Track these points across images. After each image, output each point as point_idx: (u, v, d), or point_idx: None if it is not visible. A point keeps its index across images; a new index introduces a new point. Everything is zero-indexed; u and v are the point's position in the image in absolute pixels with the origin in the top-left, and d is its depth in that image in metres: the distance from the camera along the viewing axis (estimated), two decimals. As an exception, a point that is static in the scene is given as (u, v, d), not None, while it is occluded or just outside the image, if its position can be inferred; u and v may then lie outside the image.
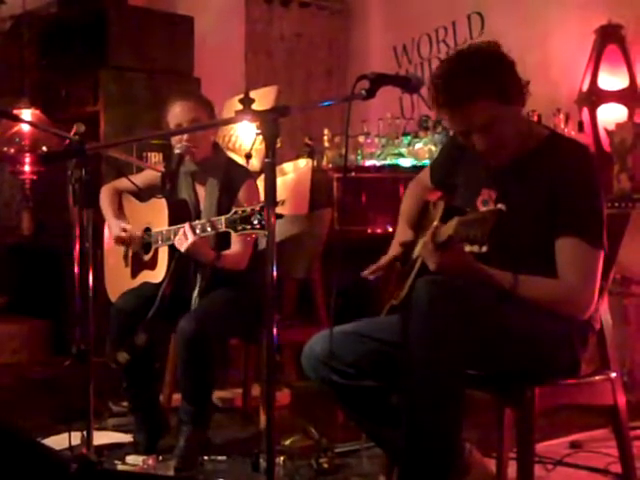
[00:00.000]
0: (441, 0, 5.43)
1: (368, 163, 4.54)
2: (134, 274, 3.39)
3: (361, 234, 4.22)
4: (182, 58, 5.29)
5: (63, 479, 2.13)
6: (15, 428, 2.17)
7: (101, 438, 3.22)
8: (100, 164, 4.44)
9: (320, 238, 3.76)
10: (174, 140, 3.27)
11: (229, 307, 3.18)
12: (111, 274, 3.53)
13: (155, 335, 3.07)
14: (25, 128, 4.42)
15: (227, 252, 3.19)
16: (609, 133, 4.26)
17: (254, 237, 3.08)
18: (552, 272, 2.30)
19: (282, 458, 2.97)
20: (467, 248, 2.35)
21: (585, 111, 4.45)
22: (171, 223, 3.18)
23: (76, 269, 2.53)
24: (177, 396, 3.35)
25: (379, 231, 4.19)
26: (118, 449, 3.23)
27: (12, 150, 4.51)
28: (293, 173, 4.31)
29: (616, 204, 3.80)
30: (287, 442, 3.16)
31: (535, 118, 4.16)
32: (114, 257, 3.48)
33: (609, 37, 4.41)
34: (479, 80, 2.25)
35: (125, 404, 3.51)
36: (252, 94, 4.54)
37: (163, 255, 3.22)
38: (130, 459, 3.10)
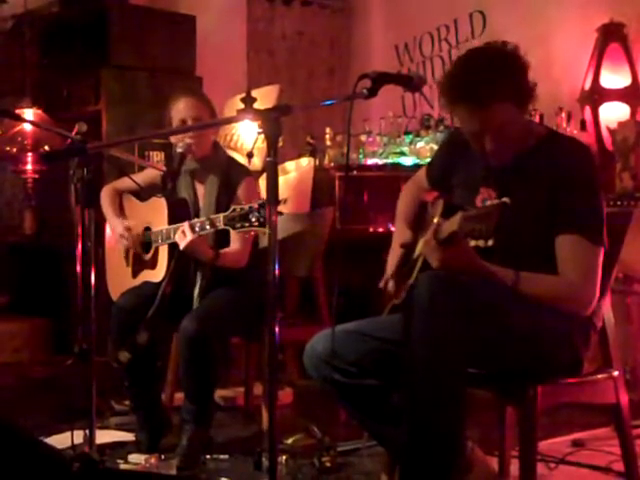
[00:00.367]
0: (443, -2, 5.44)
1: (370, 162, 4.54)
2: (135, 273, 3.39)
3: (363, 233, 4.22)
4: (184, 57, 5.28)
5: (65, 478, 2.14)
6: (17, 427, 2.18)
7: (103, 437, 3.22)
8: (102, 163, 4.44)
9: (322, 237, 3.76)
10: (175, 139, 3.27)
11: (231, 306, 3.18)
12: (113, 273, 3.53)
13: (156, 334, 3.07)
14: (27, 127, 4.42)
15: (226, 250, 3.19)
16: (611, 132, 4.26)
17: (253, 235, 3.08)
18: (553, 269, 2.30)
19: (284, 457, 2.97)
20: (472, 243, 2.34)
21: (587, 110, 4.45)
22: (171, 222, 3.18)
23: (78, 268, 2.53)
24: (179, 395, 3.35)
25: (381, 230, 4.19)
26: (120, 448, 3.23)
27: (14, 149, 4.52)
28: (295, 172, 4.31)
29: (618, 202, 3.79)
30: (289, 441, 3.16)
31: (537, 117, 4.16)
32: (115, 256, 3.48)
33: (611, 35, 4.41)
34: (501, 82, 2.25)
35: (127, 403, 3.51)
36: (254, 93, 4.54)
37: (163, 254, 3.22)
38: (132, 458, 3.10)
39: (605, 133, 4.35)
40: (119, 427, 3.50)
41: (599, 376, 2.48)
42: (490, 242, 2.33)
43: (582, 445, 3.17)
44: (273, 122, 1.97)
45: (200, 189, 3.34)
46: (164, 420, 3.33)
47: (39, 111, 4.50)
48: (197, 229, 3.01)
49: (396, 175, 4.22)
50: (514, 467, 2.45)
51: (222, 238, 3.16)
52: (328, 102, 2.23)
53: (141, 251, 3.35)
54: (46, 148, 4.43)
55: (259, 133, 4.30)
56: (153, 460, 3.06)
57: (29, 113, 4.44)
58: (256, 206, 2.80)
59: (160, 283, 3.12)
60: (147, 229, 3.35)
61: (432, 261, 2.26)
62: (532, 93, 2.32)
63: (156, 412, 3.31)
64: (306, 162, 4.40)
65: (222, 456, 3.13)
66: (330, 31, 5.99)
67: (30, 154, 4.52)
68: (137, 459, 3.09)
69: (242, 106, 4.48)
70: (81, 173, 2.43)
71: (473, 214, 2.11)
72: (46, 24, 5.27)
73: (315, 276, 3.77)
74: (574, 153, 2.36)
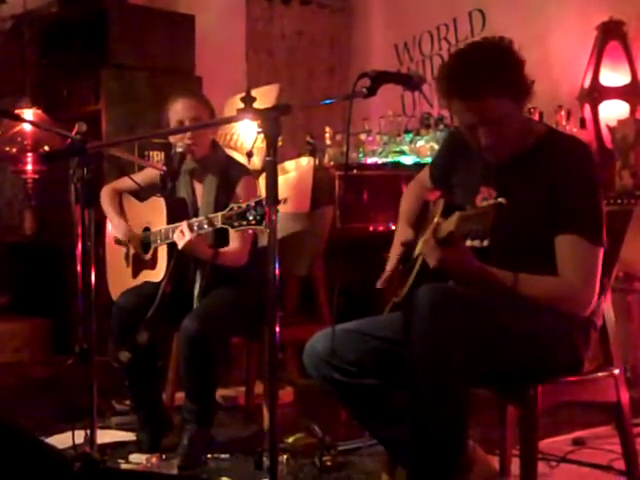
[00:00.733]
0: (442, -3, 5.44)
1: (370, 161, 4.53)
2: (135, 273, 3.39)
3: (363, 232, 4.22)
4: (183, 57, 5.28)
5: (66, 478, 2.14)
6: (18, 427, 2.18)
7: (104, 437, 3.22)
8: (102, 163, 4.44)
9: (322, 236, 3.76)
10: (174, 139, 3.28)
11: (231, 306, 3.18)
12: (113, 273, 3.53)
13: (157, 333, 3.07)
14: (27, 127, 4.42)
15: (226, 249, 3.19)
16: (611, 130, 4.26)
17: (251, 233, 3.08)
18: (552, 268, 2.30)
19: (285, 456, 2.97)
20: (469, 243, 2.35)
21: (587, 108, 4.45)
22: (170, 222, 3.18)
23: (78, 268, 2.53)
24: (180, 394, 3.35)
25: (381, 229, 4.19)
26: (121, 448, 3.23)
27: (14, 150, 4.51)
28: (295, 171, 4.31)
29: (618, 201, 3.79)
30: (290, 440, 3.16)
31: (537, 115, 4.16)
32: (116, 256, 3.49)
33: (610, 33, 4.41)
34: (497, 75, 2.25)
35: (128, 402, 3.51)
36: (253, 92, 4.54)
37: (162, 254, 3.22)
38: (133, 457, 3.11)
39: (605, 131, 4.35)
40: (120, 427, 3.50)
41: (600, 374, 2.48)
42: (486, 242, 2.33)
43: (583, 444, 3.17)
44: (273, 121, 1.97)
45: (199, 188, 3.34)
46: (165, 420, 3.33)
47: (39, 111, 4.50)
48: (195, 228, 3.01)
49: (396, 174, 4.23)
50: (515, 466, 2.45)
51: (221, 237, 3.17)
52: (328, 101, 2.23)
53: (141, 251, 3.35)
54: (46, 148, 4.42)
55: (259, 132, 4.30)
56: (154, 460, 3.06)
57: (29, 113, 4.43)
58: (253, 204, 2.80)
59: (160, 283, 3.12)
60: (146, 229, 3.35)
61: (430, 261, 2.26)
62: (529, 89, 2.32)
63: (157, 412, 3.31)
64: (306, 161, 4.40)
65: (223, 455, 3.13)
66: (329, 30, 5.99)
67: (30, 154, 4.51)
68: (138, 459, 3.09)
69: (242, 106, 4.48)
70: (81, 173, 2.43)
71: (469, 214, 2.11)
72: (45, 24, 5.27)
73: (315, 275, 3.77)
74: (574, 152, 2.36)
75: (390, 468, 2.64)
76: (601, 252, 2.30)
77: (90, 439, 2.49)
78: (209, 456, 3.10)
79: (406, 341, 2.20)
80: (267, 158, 1.97)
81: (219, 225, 2.92)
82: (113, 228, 3.48)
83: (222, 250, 3.17)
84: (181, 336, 3.06)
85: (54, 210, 4.97)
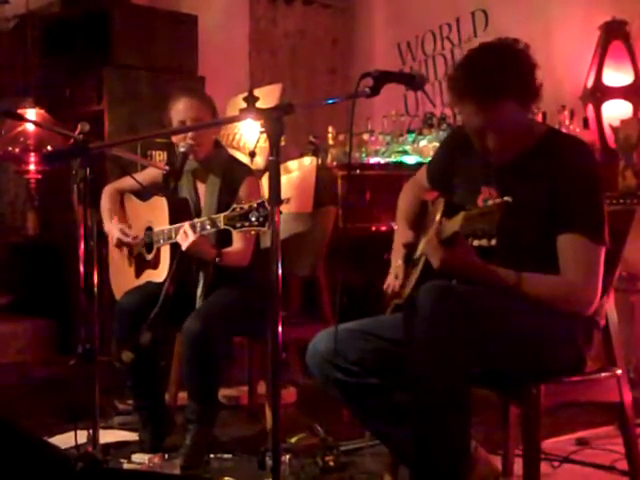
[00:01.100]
0: (445, -3, 5.44)
1: (372, 160, 4.54)
2: (138, 273, 3.39)
3: (365, 232, 4.22)
4: (186, 57, 5.28)
5: (69, 477, 2.14)
6: (21, 427, 2.18)
7: (107, 436, 3.22)
8: (104, 163, 4.44)
9: (324, 236, 3.75)
10: (176, 138, 3.27)
11: (234, 306, 3.18)
12: (116, 274, 3.53)
13: (159, 334, 3.07)
14: (30, 127, 4.42)
15: (229, 249, 3.19)
16: (614, 129, 4.25)
17: (254, 234, 3.08)
18: (554, 268, 2.30)
19: (288, 456, 2.97)
20: (475, 242, 2.34)
21: (590, 107, 4.45)
22: (172, 222, 3.18)
23: (81, 268, 2.53)
24: (183, 394, 3.35)
25: (383, 228, 4.19)
26: (124, 447, 3.23)
27: (17, 149, 4.51)
28: (298, 171, 4.31)
29: (621, 200, 3.79)
30: (293, 440, 3.16)
31: (540, 115, 4.16)
32: (118, 256, 3.48)
33: (613, 33, 4.40)
34: (510, 79, 2.25)
35: (131, 402, 3.51)
36: (256, 92, 4.54)
37: (165, 254, 3.22)
38: (136, 457, 3.10)
39: (608, 131, 4.35)
40: (123, 427, 3.50)
41: (602, 375, 2.48)
42: (493, 241, 2.33)
43: (586, 444, 3.17)
44: (275, 121, 1.97)
45: (202, 189, 3.33)
46: (167, 420, 3.33)
47: (41, 111, 4.50)
48: (198, 229, 3.01)
49: (399, 174, 4.22)
50: (518, 466, 2.45)
51: (224, 238, 3.16)
52: (330, 101, 2.23)
53: (143, 251, 3.35)
54: (49, 148, 4.42)
55: (261, 132, 4.30)
56: (157, 460, 3.06)
57: (31, 113, 4.43)
58: (256, 205, 2.80)
59: (163, 283, 3.12)
60: (149, 229, 3.35)
61: (434, 261, 2.26)
62: (538, 93, 2.32)
63: (159, 412, 3.31)
64: (309, 161, 4.40)
65: (226, 455, 3.13)
66: (332, 30, 5.99)
67: (33, 154, 4.51)
68: (141, 459, 3.09)
69: (244, 105, 4.48)
70: (84, 173, 2.43)
71: (475, 213, 2.11)
72: (48, 24, 5.27)
73: (318, 275, 3.77)
74: (575, 152, 2.35)
75: (392, 468, 2.64)
76: (603, 251, 2.30)
77: (93, 439, 2.49)
78: (212, 456, 3.10)
79: (408, 341, 2.20)
80: (270, 158, 1.97)
81: (222, 226, 2.92)
82: (108, 232, 3.47)
83: (225, 250, 3.16)
84: (183, 336, 3.06)
85: (57, 210, 4.97)
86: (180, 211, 3.22)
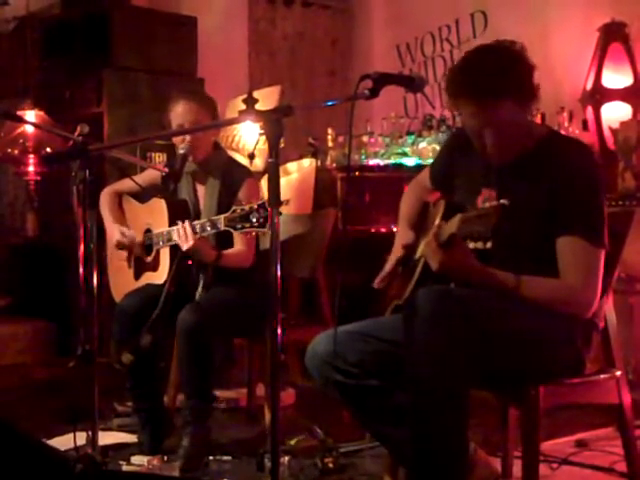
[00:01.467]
0: (444, -1, 5.45)
1: (372, 162, 4.54)
2: (137, 275, 3.39)
3: (365, 234, 4.22)
4: (186, 58, 5.29)
5: (68, 479, 2.14)
6: (20, 429, 2.18)
7: (106, 438, 3.22)
8: (104, 165, 4.44)
9: (324, 238, 3.75)
10: (176, 140, 3.28)
11: (230, 304, 3.17)
12: (115, 276, 3.53)
13: (159, 336, 3.07)
14: (29, 129, 4.43)
15: (230, 251, 3.19)
16: (613, 131, 4.26)
17: (255, 235, 3.08)
18: (552, 271, 2.29)
19: (287, 458, 2.97)
20: (471, 245, 2.35)
21: (589, 109, 4.45)
22: (171, 223, 3.18)
23: (80, 270, 2.53)
24: (182, 397, 3.34)
25: (383, 230, 4.19)
26: (123, 449, 3.23)
27: (16, 151, 4.52)
28: (297, 173, 4.31)
29: (620, 202, 3.80)
30: (292, 442, 3.15)
31: (539, 117, 4.16)
32: (118, 258, 3.48)
33: (613, 35, 4.41)
34: (508, 79, 2.26)
35: (130, 404, 3.50)
36: (255, 94, 4.54)
37: (165, 256, 3.22)
38: (135, 459, 3.10)
39: (607, 133, 4.35)
40: (122, 429, 3.50)
41: (602, 376, 2.48)
42: (489, 244, 2.33)
43: (585, 445, 3.17)
44: (274, 123, 1.97)
45: (201, 190, 3.33)
46: (167, 421, 3.33)
47: (41, 113, 4.50)
48: (198, 230, 3.01)
49: (398, 176, 4.23)
50: (517, 468, 2.45)
51: (224, 239, 3.16)
52: (330, 103, 2.23)
53: (143, 253, 3.35)
54: (48, 150, 4.43)
55: (261, 134, 4.30)
56: (156, 462, 3.06)
57: (31, 115, 4.44)
58: (256, 206, 2.80)
59: (163, 285, 3.12)
60: (148, 231, 3.35)
61: (432, 263, 2.26)
62: (535, 94, 2.32)
63: (159, 414, 3.30)
64: (308, 163, 4.40)
65: (225, 457, 3.13)
66: (331, 32, 5.99)
67: (32, 156, 4.52)
68: (140, 461, 3.09)
69: (244, 107, 4.48)
70: (83, 175, 2.43)
71: (471, 216, 2.11)
72: (48, 26, 5.27)
73: (317, 277, 3.77)
74: (575, 154, 2.36)
75: (392, 470, 2.64)
76: (602, 254, 2.30)
77: (92, 441, 2.48)
78: (210, 458, 3.10)
79: (407, 342, 2.21)
80: (269, 160, 1.97)
81: (222, 228, 2.92)
82: (108, 233, 3.47)
83: (225, 252, 3.16)
84: (178, 328, 3.04)
85: (56, 212, 4.97)
86: (179, 212, 3.22)
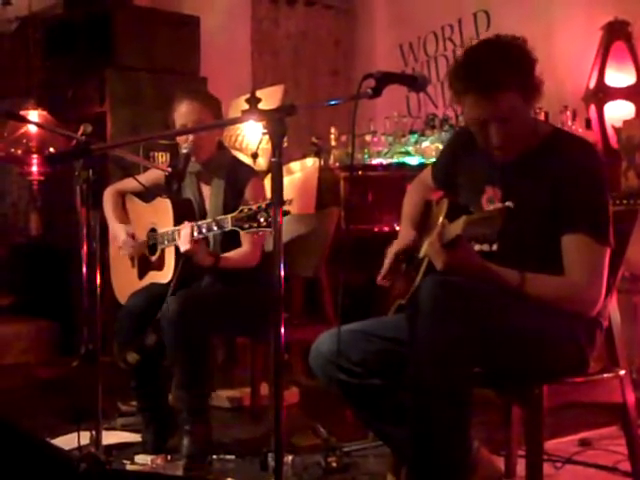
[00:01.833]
0: (447, -2, 5.44)
1: (375, 162, 4.54)
2: (141, 275, 3.39)
3: (368, 233, 4.22)
4: (188, 58, 5.28)
5: (72, 479, 2.14)
6: (24, 428, 2.18)
7: (110, 438, 3.22)
8: (107, 164, 4.44)
9: (327, 237, 3.75)
10: (180, 140, 3.28)
11: (226, 299, 3.17)
12: (118, 275, 3.53)
13: (164, 335, 3.06)
14: (32, 129, 4.42)
15: (231, 253, 3.19)
16: (616, 130, 4.25)
17: (262, 235, 3.07)
18: (559, 268, 2.29)
19: (290, 457, 2.97)
20: (477, 247, 2.34)
21: (592, 108, 4.45)
22: (177, 223, 3.17)
23: (84, 269, 2.53)
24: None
25: (386, 229, 4.19)
26: (127, 449, 3.23)
27: (19, 151, 4.52)
28: (300, 172, 4.31)
29: (624, 201, 3.79)
30: (295, 441, 3.16)
31: (542, 115, 4.16)
32: (121, 258, 3.48)
33: (616, 34, 4.40)
34: (511, 71, 2.25)
35: (134, 403, 3.51)
36: (258, 93, 4.55)
37: (170, 255, 3.21)
38: (139, 459, 3.11)
39: (610, 131, 4.35)
40: (125, 428, 3.50)
41: (605, 375, 2.48)
42: (495, 246, 2.33)
43: (589, 444, 3.16)
44: (278, 122, 1.97)
45: (205, 190, 3.33)
46: (170, 421, 3.32)
47: (44, 112, 4.50)
48: (204, 230, 3.00)
49: (401, 175, 4.23)
50: (520, 467, 2.45)
51: (230, 239, 3.16)
52: (333, 102, 2.23)
53: (147, 253, 3.35)
54: (51, 150, 4.43)
55: (264, 134, 4.30)
56: (160, 461, 3.07)
57: (34, 115, 4.43)
58: (264, 206, 2.80)
59: (168, 284, 3.12)
60: (152, 230, 3.34)
61: (437, 263, 2.26)
62: (539, 88, 2.32)
63: (162, 413, 3.30)
64: (311, 162, 4.40)
65: (228, 456, 3.13)
66: (334, 31, 5.99)
67: (35, 156, 4.52)
68: (144, 460, 3.09)
69: (247, 107, 4.48)
70: (86, 174, 2.43)
71: (477, 218, 2.11)
72: (50, 26, 5.27)
73: (320, 276, 3.77)
74: (579, 152, 2.35)
75: (395, 469, 2.64)
76: (607, 251, 2.30)
77: (96, 440, 2.49)
78: (214, 457, 3.10)
79: (410, 343, 2.20)
80: (272, 159, 1.97)
81: (229, 227, 2.90)
82: (111, 234, 3.47)
83: (224, 255, 3.16)
84: (162, 318, 3.03)
85: (59, 211, 4.98)
86: (185, 212, 3.22)
